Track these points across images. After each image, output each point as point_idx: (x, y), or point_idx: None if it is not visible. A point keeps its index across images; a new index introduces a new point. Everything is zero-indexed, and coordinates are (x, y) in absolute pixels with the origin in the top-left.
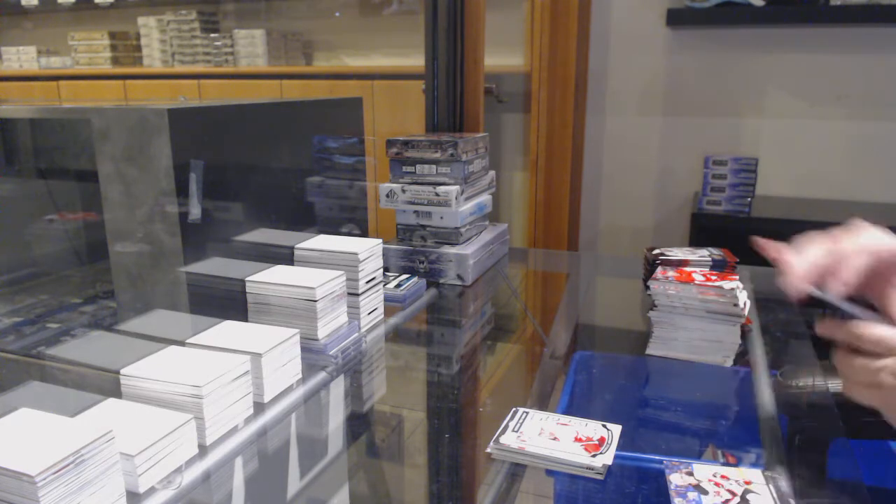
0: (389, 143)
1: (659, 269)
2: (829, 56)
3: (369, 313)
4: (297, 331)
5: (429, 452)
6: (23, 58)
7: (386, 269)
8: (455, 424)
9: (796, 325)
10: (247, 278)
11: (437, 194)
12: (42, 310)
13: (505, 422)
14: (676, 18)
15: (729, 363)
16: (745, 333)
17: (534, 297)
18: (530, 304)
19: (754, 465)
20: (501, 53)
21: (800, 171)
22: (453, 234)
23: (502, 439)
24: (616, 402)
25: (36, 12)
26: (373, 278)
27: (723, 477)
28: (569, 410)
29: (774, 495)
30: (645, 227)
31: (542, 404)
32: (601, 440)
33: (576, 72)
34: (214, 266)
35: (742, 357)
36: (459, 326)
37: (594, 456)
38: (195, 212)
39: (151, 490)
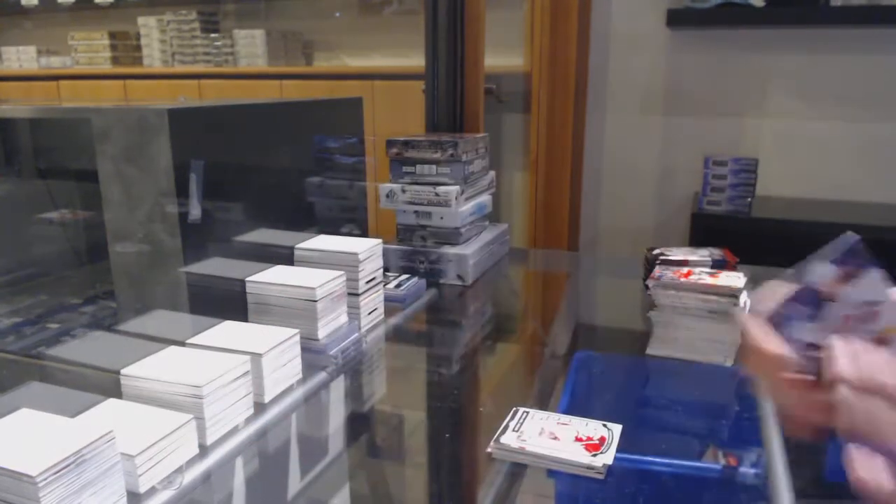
0: (389, 144)
1: (659, 269)
2: (829, 56)
3: (369, 313)
4: (297, 331)
5: (429, 452)
6: (23, 58)
7: (386, 269)
8: (455, 424)
9: None
10: (247, 278)
11: (437, 194)
12: (42, 310)
13: (505, 421)
14: (676, 19)
15: (729, 363)
16: None
17: (534, 297)
18: (530, 304)
19: (754, 465)
20: (501, 53)
21: (800, 171)
22: (453, 234)
23: (503, 439)
24: (616, 402)
25: (36, 12)
26: (373, 278)
27: None
28: (569, 410)
29: None
30: (645, 227)
31: (543, 404)
32: (601, 440)
33: (576, 72)
34: (214, 266)
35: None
36: (459, 326)
37: (595, 455)
38: (195, 212)
39: (152, 490)
